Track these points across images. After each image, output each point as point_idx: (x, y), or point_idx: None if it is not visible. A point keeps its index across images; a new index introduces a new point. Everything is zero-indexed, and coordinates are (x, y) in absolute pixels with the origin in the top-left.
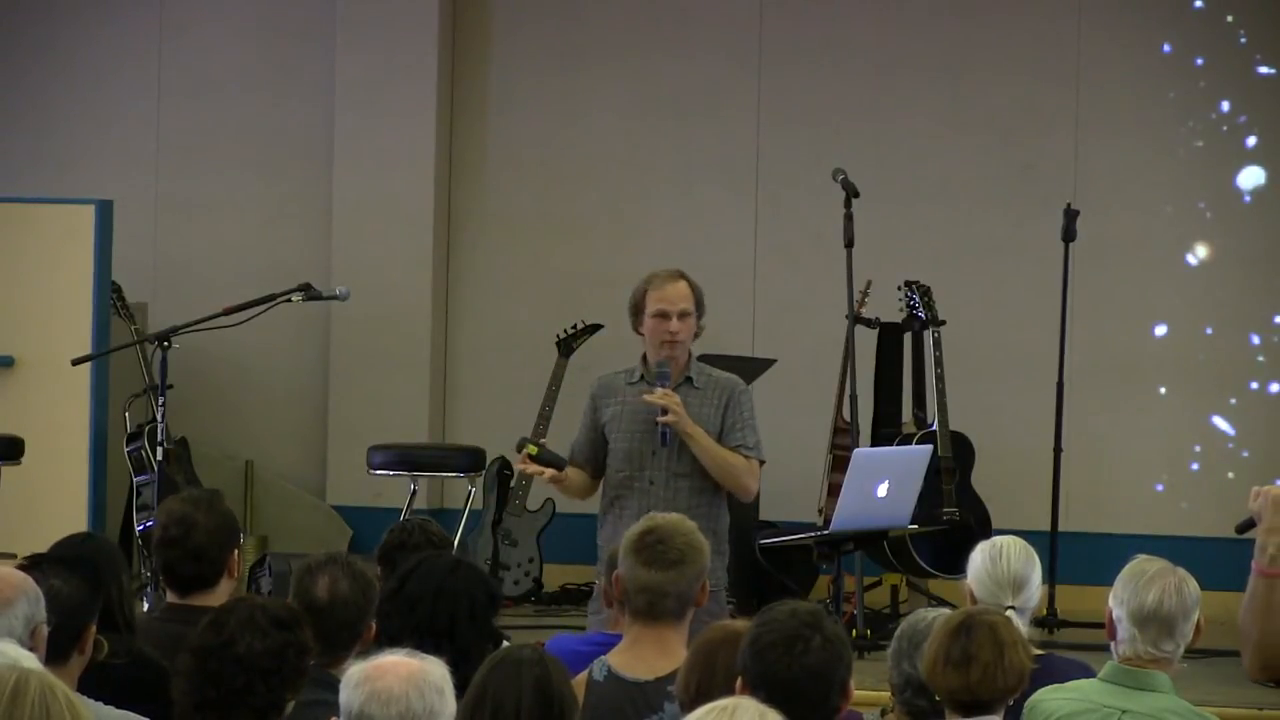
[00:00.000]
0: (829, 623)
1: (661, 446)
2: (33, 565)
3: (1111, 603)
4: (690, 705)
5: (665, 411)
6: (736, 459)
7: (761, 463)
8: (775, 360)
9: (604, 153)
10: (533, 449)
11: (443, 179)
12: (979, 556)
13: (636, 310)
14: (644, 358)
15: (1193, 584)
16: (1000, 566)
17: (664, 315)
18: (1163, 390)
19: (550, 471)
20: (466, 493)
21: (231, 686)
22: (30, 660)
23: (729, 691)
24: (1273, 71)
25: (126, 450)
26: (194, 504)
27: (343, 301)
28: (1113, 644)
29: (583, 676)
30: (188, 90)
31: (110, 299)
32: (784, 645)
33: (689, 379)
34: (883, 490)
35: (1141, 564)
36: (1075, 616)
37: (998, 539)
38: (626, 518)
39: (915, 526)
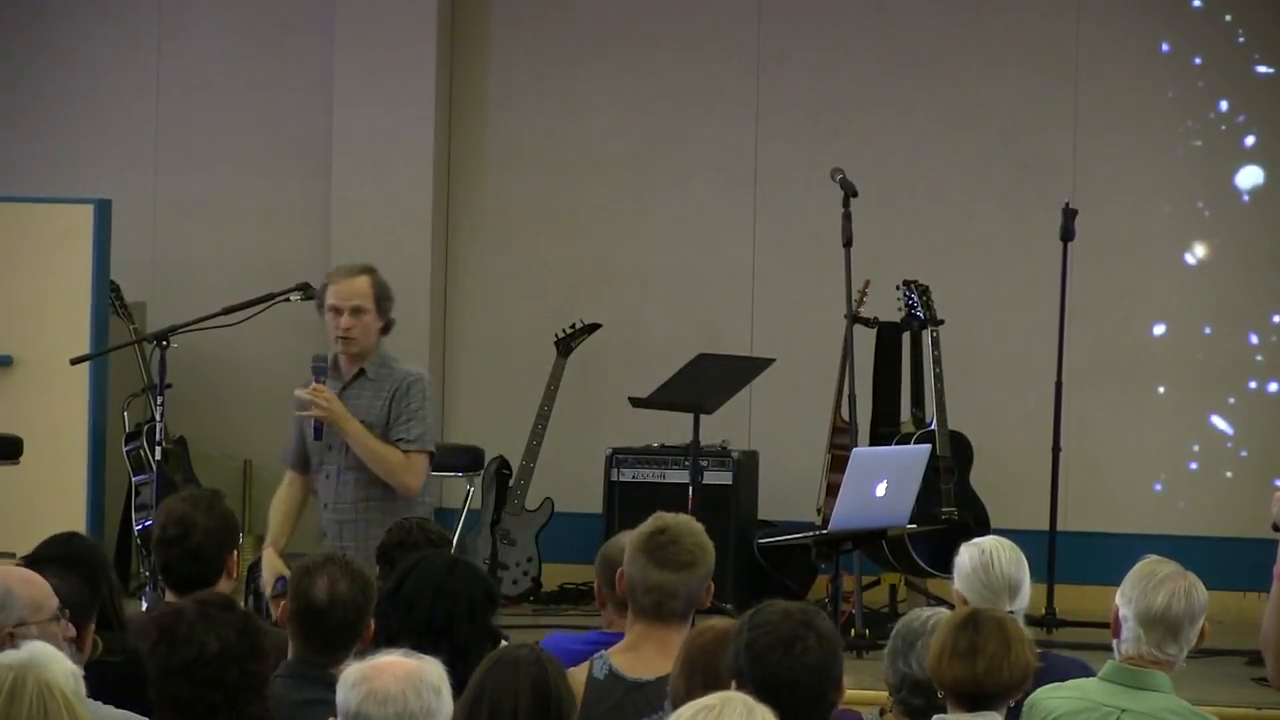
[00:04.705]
0: (821, 620)
1: (315, 440)
2: (28, 565)
3: (1119, 601)
4: None
5: (316, 406)
6: (391, 454)
7: (430, 454)
8: (774, 360)
9: (603, 150)
10: None
11: (441, 177)
12: (967, 562)
13: (320, 303)
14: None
15: (1201, 589)
16: (994, 573)
17: (337, 310)
18: (1161, 389)
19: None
20: (465, 492)
21: (227, 680)
22: (61, 663)
23: None
24: (1271, 71)
25: (125, 450)
26: (193, 504)
27: None
28: (1115, 642)
29: (582, 675)
30: (186, 89)
31: (109, 298)
32: (783, 646)
33: (362, 372)
34: (881, 489)
35: (1152, 565)
36: (1074, 616)
37: (982, 542)
38: (320, 507)
39: (914, 526)
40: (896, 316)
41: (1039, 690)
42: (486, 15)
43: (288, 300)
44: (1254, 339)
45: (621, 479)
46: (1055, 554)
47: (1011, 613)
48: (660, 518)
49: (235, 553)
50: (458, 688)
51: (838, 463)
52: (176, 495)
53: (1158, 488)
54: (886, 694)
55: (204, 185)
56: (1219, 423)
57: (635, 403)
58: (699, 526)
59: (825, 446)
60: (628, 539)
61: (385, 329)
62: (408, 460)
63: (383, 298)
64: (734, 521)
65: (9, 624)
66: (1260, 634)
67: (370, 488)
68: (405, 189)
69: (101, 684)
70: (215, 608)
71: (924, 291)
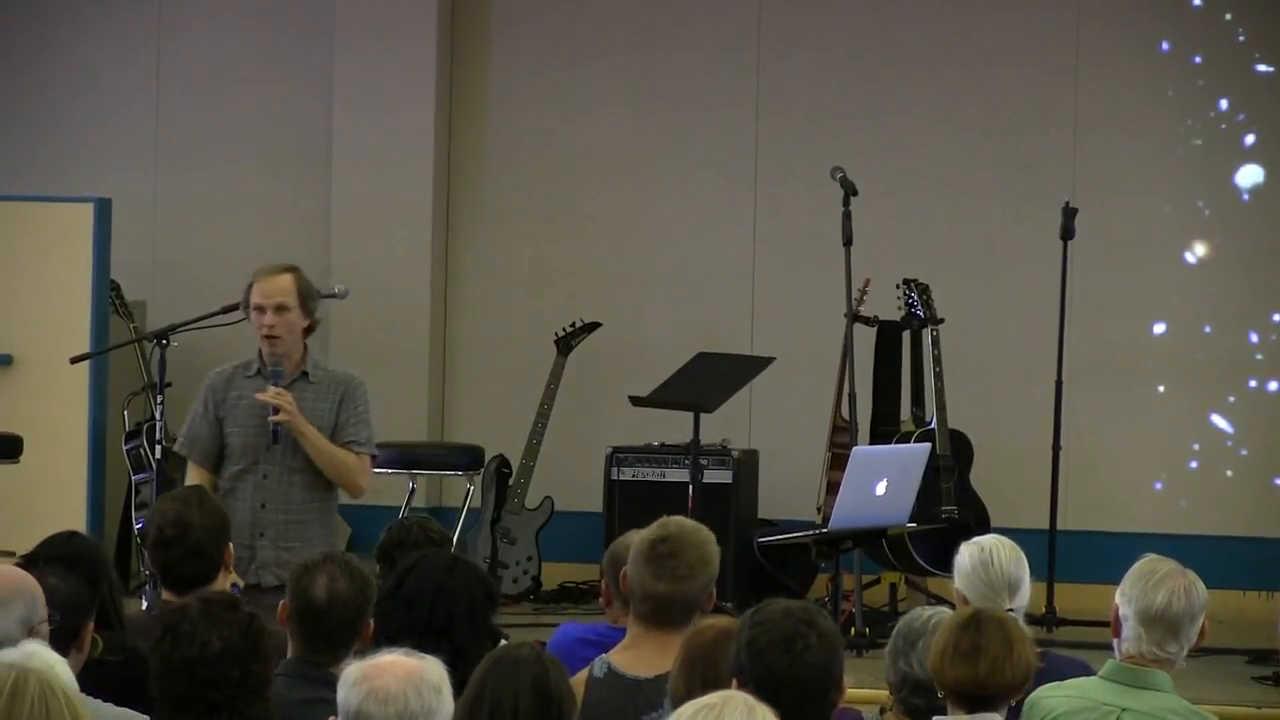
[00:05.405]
0: (822, 618)
1: (274, 444)
2: (28, 564)
3: (1119, 600)
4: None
5: (277, 410)
6: (348, 457)
7: (374, 457)
8: (774, 358)
9: (602, 150)
10: None
11: (441, 176)
12: (968, 561)
13: (246, 304)
14: (260, 351)
15: (1201, 587)
16: (994, 571)
17: (260, 309)
18: (1161, 388)
19: None
20: (465, 491)
21: (229, 679)
22: (60, 667)
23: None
24: (1271, 70)
25: (125, 449)
26: (185, 503)
27: (342, 300)
28: (1115, 641)
29: (583, 674)
30: (186, 88)
31: (109, 297)
32: (784, 645)
33: (304, 374)
34: (881, 488)
35: (1152, 563)
36: (1074, 615)
37: (983, 541)
38: (237, 509)
39: (914, 525)
40: (896, 315)
41: (1039, 689)
42: (486, 15)
43: None
44: (1254, 338)
45: (622, 478)
46: (1055, 553)
47: (1011, 611)
48: (665, 525)
49: (230, 546)
50: (458, 687)
51: (838, 461)
52: (165, 497)
53: (1158, 487)
54: (887, 693)
55: (204, 185)
56: (1219, 422)
57: (635, 402)
58: (705, 536)
59: (825, 445)
60: (635, 539)
61: (310, 329)
62: (361, 461)
63: (307, 297)
64: (734, 520)
65: (35, 620)
66: (1277, 631)
67: (315, 489)
68: (405, 188)
69: (101, 683)
70: (219, 606)
71: (924, 290)
